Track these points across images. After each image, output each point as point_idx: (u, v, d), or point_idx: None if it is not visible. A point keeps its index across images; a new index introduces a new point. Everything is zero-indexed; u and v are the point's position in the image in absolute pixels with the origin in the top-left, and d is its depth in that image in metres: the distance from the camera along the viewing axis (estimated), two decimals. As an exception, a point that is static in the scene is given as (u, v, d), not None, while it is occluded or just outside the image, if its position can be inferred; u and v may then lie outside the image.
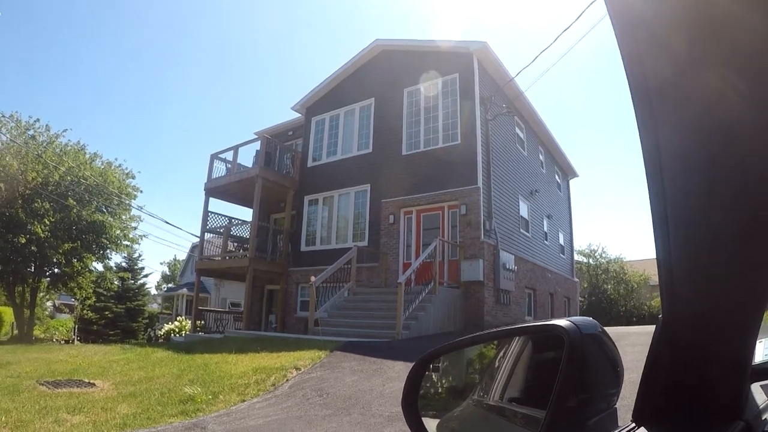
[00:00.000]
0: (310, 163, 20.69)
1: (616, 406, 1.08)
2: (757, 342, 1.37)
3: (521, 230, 19.07)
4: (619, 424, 1.04)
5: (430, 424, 1.35)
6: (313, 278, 14.58)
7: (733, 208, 0.73)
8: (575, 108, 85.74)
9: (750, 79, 0.58)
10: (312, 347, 11.00)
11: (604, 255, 37.08)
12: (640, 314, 32.73)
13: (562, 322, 1.06)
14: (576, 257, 30.18)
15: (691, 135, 0.66)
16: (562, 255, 24.78)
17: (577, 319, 1.08)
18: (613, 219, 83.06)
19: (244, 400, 7.74)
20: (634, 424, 1.01)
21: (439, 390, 1.55)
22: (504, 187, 17.69)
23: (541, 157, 23.31)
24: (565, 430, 0.99)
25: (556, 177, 25.81)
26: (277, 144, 21.12)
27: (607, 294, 34.60)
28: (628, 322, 29.81)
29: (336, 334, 13.22)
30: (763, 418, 0.99)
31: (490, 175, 16.43)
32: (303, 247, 19.82)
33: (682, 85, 0.62)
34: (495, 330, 1.39)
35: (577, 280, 27.81)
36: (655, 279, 33.69)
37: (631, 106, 0.67)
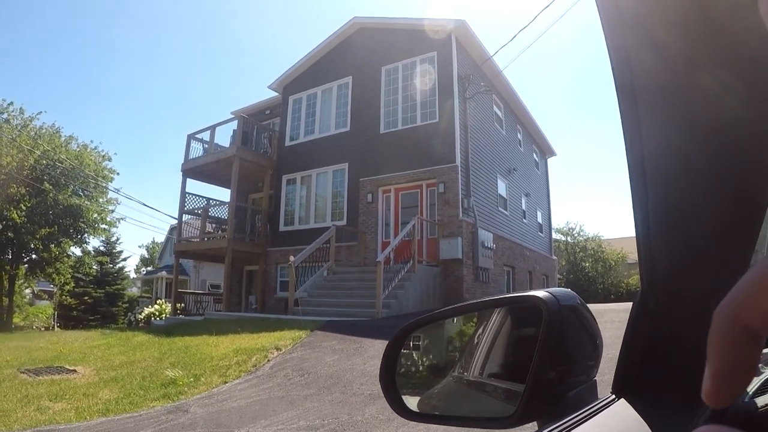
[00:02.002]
0: (287, 143, 20.52)
1: (595, 378, 1.08)
2: None
3: (500, 208, 19.15)
4: (599, 397, 1.04)
5: (412, 401, 1.33)
6: (292, 258, 14.55)
7: (710, 186, 0.74)
8: (554, 87, 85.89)
9: (731, 74, 0.58)
10: (292, 327, 11.02)
11: (582, 233, 37.42)
12: (618, 291, 33.12)
13: (540, 293, 1.05)
14: (554, 235, 30.43)
15: (670, 118, 0.67)
16: (540, 233, 24.97)
17: (556, 290, 1.06)
18: (591, 197, 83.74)
19: (225, 382, 7.76)
20: (614, 396, 1.02)
21: (420, 368, 1.54)
22: (482, 165, 17.71)
23: (519, 136, 23.35)
24: (545, 402, 0.99)
25: (534, 156, 25.90)
26: (254, 123, 20.93)
27: (585, 272, 34.94)
28: (606, 300, 30.19)
29: (316, 313, 13.24)
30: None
31: (468, 154, 16.44)
32: (282, 227, 19.73)
33: (662, 74, 0.62)
34: (472, 302, 1.38)
35: (555, 258, 28.05)
36: (632, 257, 34.13)
37: (613, 87, 0.68)
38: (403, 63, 17.83)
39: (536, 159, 26.13)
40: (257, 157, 20.10)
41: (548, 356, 1.00)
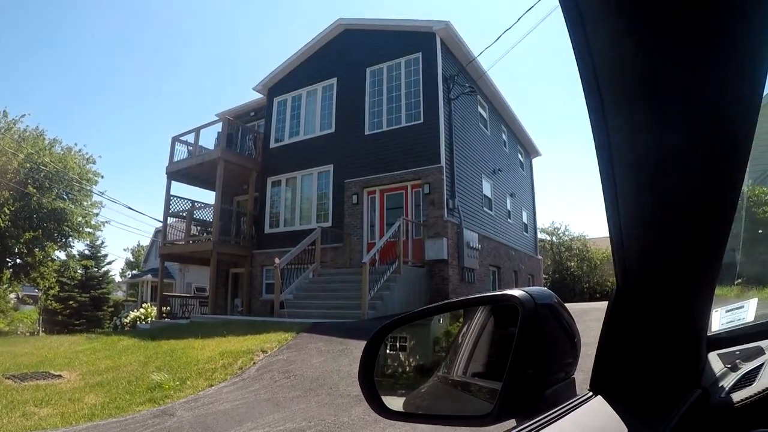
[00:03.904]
0: (272, 144, 20.50)
1: (573, 376, 1.09)
2: (713, 312, 1.42)
3: (485, 209, 19.21)
4: (578, 394, 1.06)
5: (399, 401, 1.35)
6: (277, 260, 14.52)
7: (680, 185, 0.74)
8: (539, 87, 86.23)
9: (702, 70, 0.60)
10: (278, 329, 10.99)
11: (567, 233, 37.51)
12: (603, 290, 33.21)
13: (517, 292, 1.05)
14: (539, 235, 30.56)
15: (637, 116, 0.67)
16: (525, 233, 25.06)
17: (533, 289, 1.07)
18: (576, 197, 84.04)
19: (212, 385, 7.74)
20: (591, 393, 1.03)
21: (408, 369, 1.56)
22: (467, 166, 17.78)
23: (503, 137, 23.44)
24: (522, 399, 1.00)
25: (519, 156, 26.01)
26: (239, 125, 20.87)
27: (570, 271, 35.02)
28: (592, 298, 30.29)
29: (302, 315, 13.22)
30: (720, 385, 1.01)
31: (453, 155, 16.50)
32: (267, 229, 19.71)
33: (627, 73, 0.62)
34: (449, 301, 1.38)
35: (540, 257, 28.18)
36: (617, 256, 34.20)
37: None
38: (388, 64, 17.87)
39: (521, 159, 26.22)
40: (242, 159, 20.05)
41: (525, 355, 1.01)
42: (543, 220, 42.88)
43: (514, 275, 21.93)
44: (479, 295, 1.29)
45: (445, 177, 15.74)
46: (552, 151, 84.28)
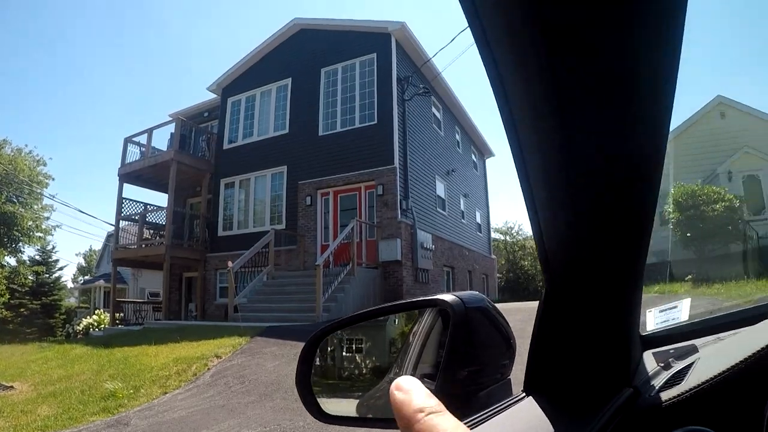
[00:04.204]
0: (226, 145, 20.32)
1: (510, 377, 1.10)
2: (648, 312, 1.50)
3: (438, 209, 19.37)
4: (514, 394, 1.07)
5: (352, 405, 1.36)
6: (230, 263, 14.40)
7: (594, 189, 0.75)
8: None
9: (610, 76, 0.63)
10: (232, 334, 10.95)
11: (520, 232, 38.03)
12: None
13: (447, 296, 1.09)
14: (493, 235, 30.90)
15: (544, 136, 0.69)
16: (479, 233, 25.39)
17: (464, 293, 1.07)
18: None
19: (166, 393, 7.69)
20: (524, 394, 1.05)
21: (364, 371, 1.59)
22: (420, 167, 17.92)
23: (457, 137, 23.69)
24: (456, 401, 0.98)
25: (473, 156, 26.32)
26: (192, 126, 20.63)
27: (524, 270, 35.47)
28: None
29: (256, 319, 13.13)
30: (651, 384, 1.02)
31: (407, 156, 16.58)
32: (220, 232, 19.54)
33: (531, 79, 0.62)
34: (383, 306, 1.35)
35: (494, 257, 28.53)
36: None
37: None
38: (343, 65, 17.89)
39: (474, 160, 26.53)
40: (195, 160, 19.83)
41: (457, 357, 1.06)
42: (497, 220, 43.39)
43: (469, 275, 22.16)
44: (411, 300, 1.33)
45: (398, 178, 15.83)
46: (506, 151, 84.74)
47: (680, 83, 0.63)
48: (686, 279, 15.61)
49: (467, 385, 1.04)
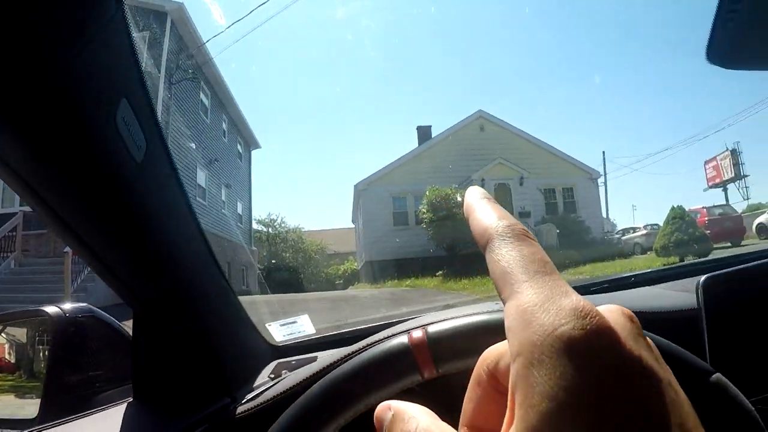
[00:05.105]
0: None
1: (131, 383, 1.10)
2: (269, 326, 1.58)
3: (198, 198, 18.81)
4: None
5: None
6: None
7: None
8: (266, 79, 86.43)
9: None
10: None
11: (283, 225, 38.17)
12: (318, 280, 34.37)
13: (50, 308, 1.08)
14: (255, 226, 30.77)
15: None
16: (240, 224, 25.14)
17: (68, 305, 1.13)
18: (294, 190, 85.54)
19: None
20: (131, 398, 1.06)
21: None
22: (182, 154, 17.30)
23: (224, 126, 23.18)
24: (69, 403, 1.03)
25: (238, 147, 25.95)
26: None
27: (286, 262, 35.69)
28: (308, 288, 31.24)
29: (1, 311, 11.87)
30: (251, 394, 1.02)
31: (167, 141, 15.88)
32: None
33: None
34: None
35: (255, 248, 28.41)
36: (331, 248, 36.11)
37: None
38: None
39: (240, 150, 26.12)
40: None
41: (61, 365, 1.02)
42: (260, 212, 43.30)
43: (228, 267, 21.83)
44: (13, 311, 1.28)
45: (158, 164, 15.12)
46: (273, 143, 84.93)
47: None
48: (437, 274, 16.83)
49: (82, 389, 1.09)
